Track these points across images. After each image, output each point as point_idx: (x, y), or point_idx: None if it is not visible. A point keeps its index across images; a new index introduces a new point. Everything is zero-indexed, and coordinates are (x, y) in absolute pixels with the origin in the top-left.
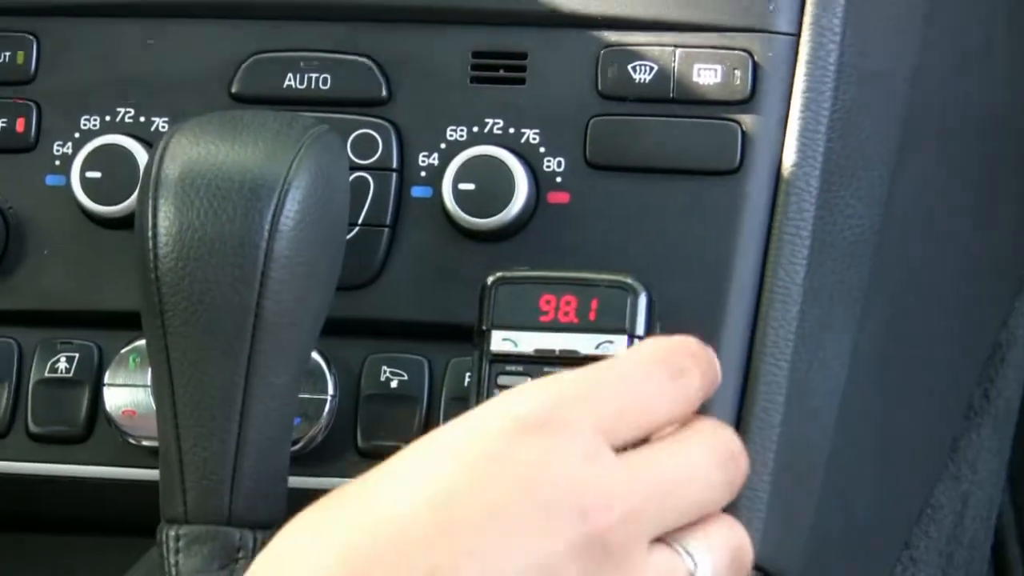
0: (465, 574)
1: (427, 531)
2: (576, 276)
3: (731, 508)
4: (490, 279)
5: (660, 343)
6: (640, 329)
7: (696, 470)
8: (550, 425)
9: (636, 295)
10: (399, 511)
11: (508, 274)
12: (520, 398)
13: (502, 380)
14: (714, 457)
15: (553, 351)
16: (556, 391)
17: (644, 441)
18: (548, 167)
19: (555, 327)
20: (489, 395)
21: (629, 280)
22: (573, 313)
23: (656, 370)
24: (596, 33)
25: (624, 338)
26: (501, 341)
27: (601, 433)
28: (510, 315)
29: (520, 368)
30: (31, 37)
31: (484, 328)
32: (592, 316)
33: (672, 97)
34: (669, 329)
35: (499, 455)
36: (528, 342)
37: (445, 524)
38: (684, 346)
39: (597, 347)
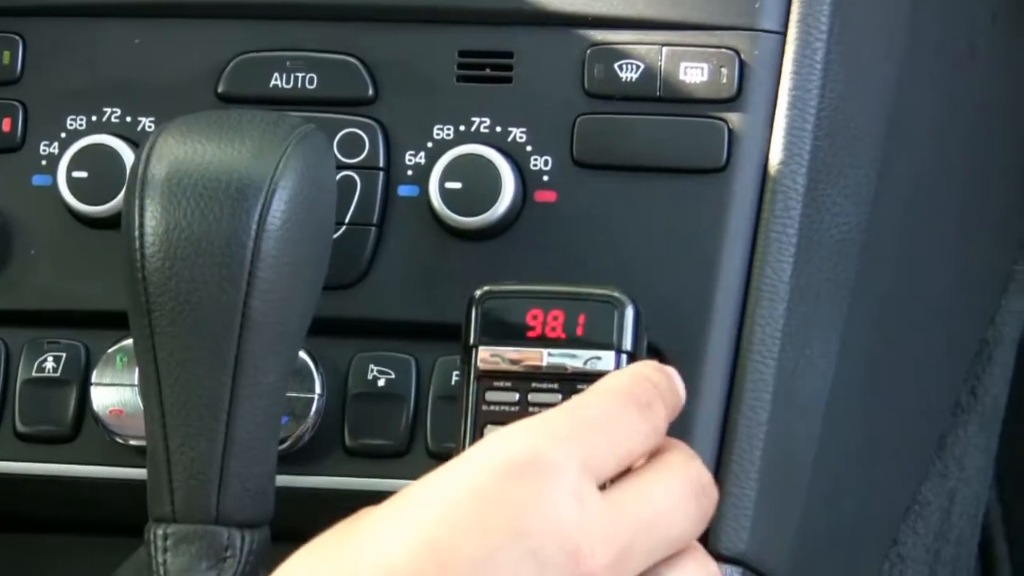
0: None
1: None
2: (563, 290)
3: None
4: (477, 293)
5: (624, 377)
6: (628, 344)
7: (674, 503)
8: (538, 465)
9: (623, 309)
10: (391, 559)
11: (495, 289)
12: (508, 439)
13: (490, 396)
14: (689, 489)
15: (540, 367)
16: (544, 431)
17: (622, 474)
18: (535, 166)
19: (543, 343)
20: (477, 412)
21: (616, 294)
22: (560, 328)
23: (628, 405)
24: (582, 32)
25: (612, 353)
26: (489, 357)
27: (587, 472)
28: (497, 331)
29: (508, 384)
30: (17, 37)
31: (471, 344)
32: (580, 331)
33: (658, 96)
34: (657, 330)
35: (489, 498)
36: (515, 358)
37: (437, 570)
38: (646, 377)
39: (585, 363)
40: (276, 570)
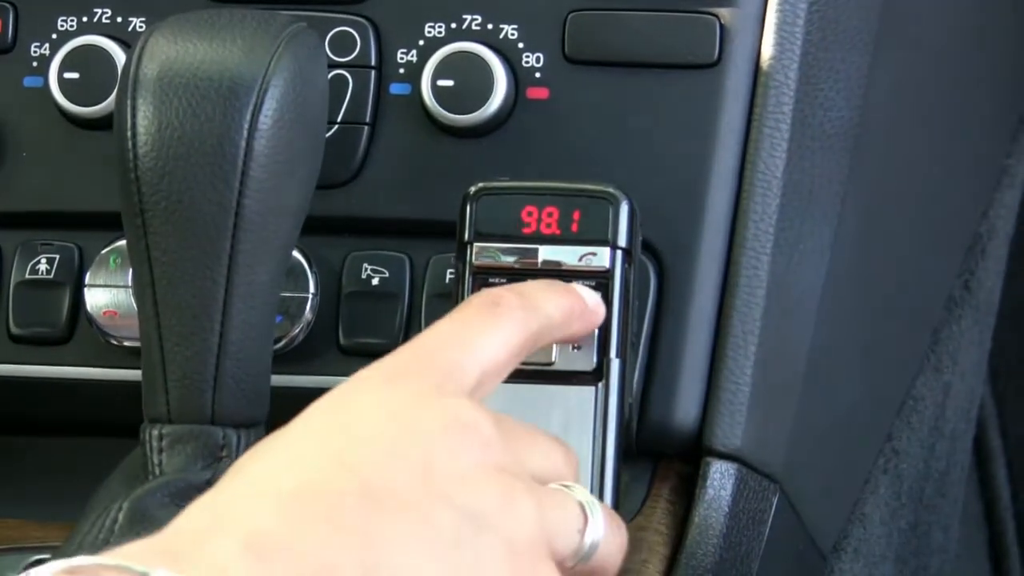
0: (346, 485)
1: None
2: (558, 186)
3: (712, 400)
4: (471, 190)
5: (481, 292)
6: (623, 239)
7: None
8: (405, 375)
9: (618, 205)
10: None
11: (489, 185)
12: (376, 364)
13: None
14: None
15: (536, 263)
16: (399, 352)
17: None
18: (527, 63)
19: (538, 239)
20: None
21: (611, 189)
22: (555, 224)
23: (470, 313)
24: None
25: (607, 249)
26: (483, 254)
27: (447, 376)
28: (492, 228)
29: (503, 280)
30: None
31: (466, 240)
32: (574, 227)
33: None
34: (650, 227)
35: (360, 401)
36: (511, 254)
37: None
38: (496, 290)
39: (580, 259)
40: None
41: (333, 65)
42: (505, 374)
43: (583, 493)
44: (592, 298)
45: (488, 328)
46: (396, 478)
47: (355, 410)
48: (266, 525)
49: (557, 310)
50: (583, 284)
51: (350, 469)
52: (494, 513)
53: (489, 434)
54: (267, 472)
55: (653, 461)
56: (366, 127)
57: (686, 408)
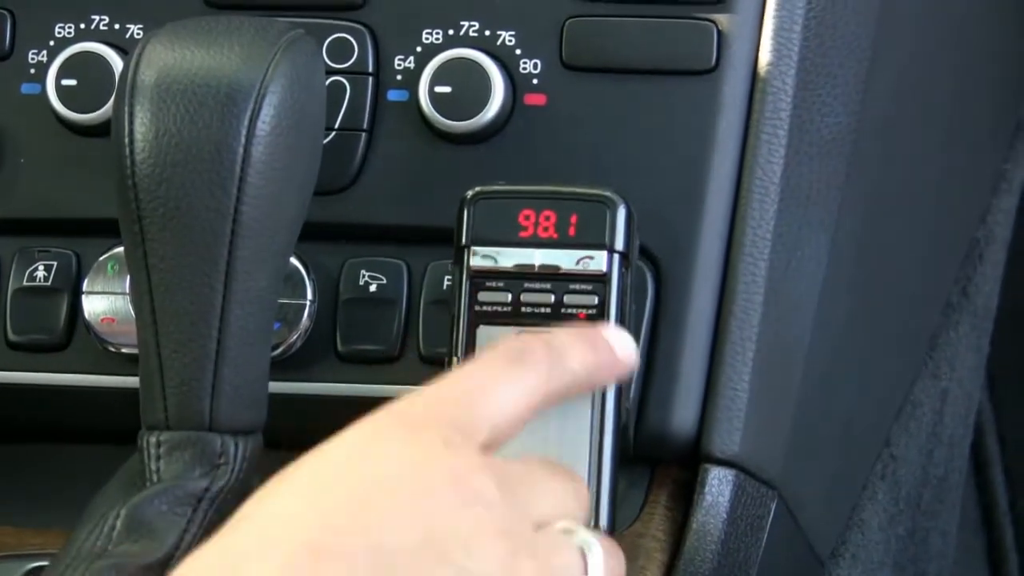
0: (354, 544)
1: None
2: (555, 190)
3: (710, 406)
4: (468, 194)
5: (509, 339)
6: (620, 243)
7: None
8: (416, 426)
9: (615, 209)
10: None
11: (486, 189)
12: (387, 410)
13: (482, 296)
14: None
15: (533, 267)
16: (412, 401)
17: None
18: (524, 69)
19: (535, 243)
20: (470, 312)
21: (608, 193)
22: (553, 228)
23: (494, 365)
24: None
25: (604, 253)
26: (481, 258)
27: (456, 430)
28: (489, 231)
29: (500, 284)
30: None
31: (463, 244)
32: (572, 231)
33: None
34: (648, 232)
35: (370, 451)
36: (508, 258)
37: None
38: (528, 337)
39: (578, 263)
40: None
41: (331, 72)
42: (522, 427)
43: (582, 534)
44: (623, 347)
45: (510, 380)
46: (405, 540)
47: (369, 463)
48: None
49: (583, 367)
50: (619, 329)
51: (362, 529)
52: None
53: (492, 495)
54: (280, 522)
55: (651, 467)
56: (363, 134)
57: (684, 414)
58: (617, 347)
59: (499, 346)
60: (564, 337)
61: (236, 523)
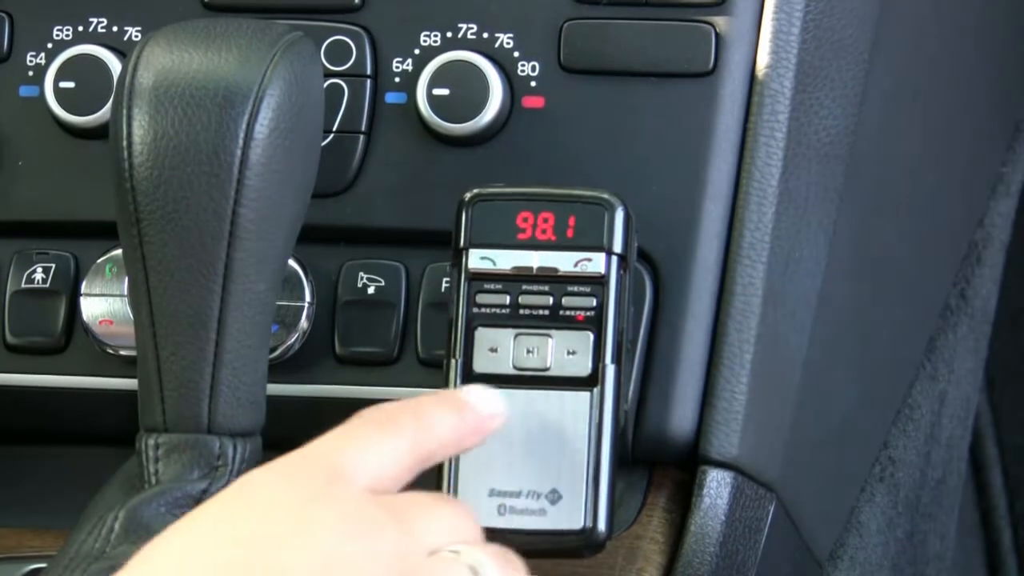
0: None
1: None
2: (553, 192)
3: (708, 408)
4: (466, 196)
5: (371, 408)
6: (618, 245)
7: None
8: (295, 474)
9: (613, 211)
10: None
11: (484, 191)
12: (273, 463)
13: (480, 298)
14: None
15: (531, 269)
16: (292, 455)
17: None
18: (522, 71)
19: (533, 245)
20: (468, 314)
21: (606, 196)
22: (551, 230)
23: (363, 428)
24: None
25: (602, 255)
26: (479, 260)
27: (335, 474)
28: (487, 233)
29: (499, 286)
30: None
31: (461, 246)
32: (570, 233)
33: (645, 0)
34: (646, 235)
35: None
36: (506, 260)
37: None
38: (389, 407)
39: (576, 265)
40: None
41: (329, 74)
42: (397, 488)
43: (472, 554)
44: (487, 407)
45: (380, 444)
46: (304, 563)
47: (258, 500)
48: None
49: (450, 432)
50: (483, 387)
51: (263, 548)
52: None
53: (385, 523)
54: (178, 553)
55: (649, 469)
56: (362, 136)
57: (682, 416)
58: (481, 408)
59: (364, 414)
60: (428, 403)
61: (133, 564)
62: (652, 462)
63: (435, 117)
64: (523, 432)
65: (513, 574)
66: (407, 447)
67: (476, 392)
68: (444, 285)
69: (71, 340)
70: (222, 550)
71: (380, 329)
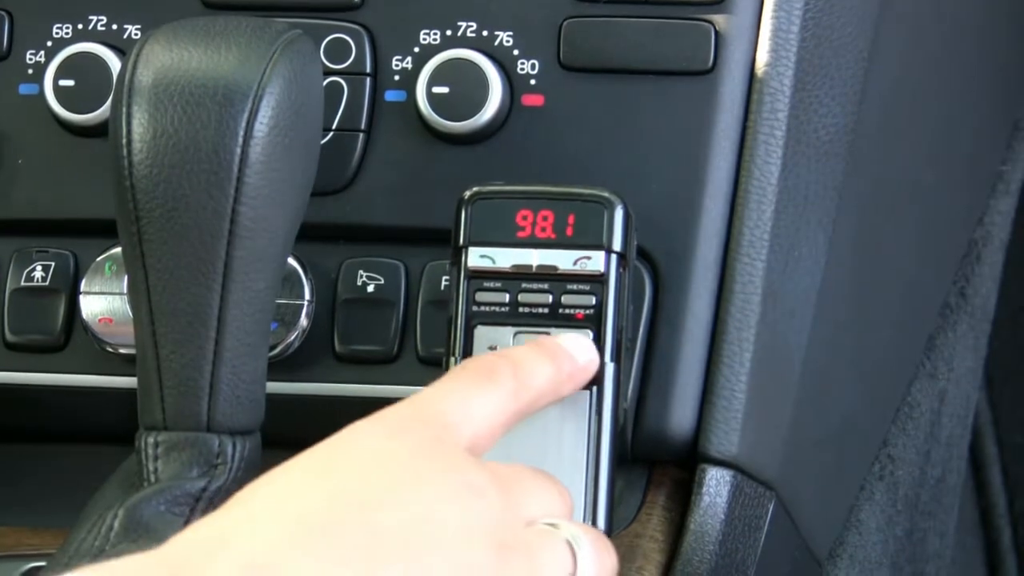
0: (347, 520)
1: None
2: (553, 190)
3: (708, 406)
4: (466, 194)
5: (471, 359)
6: (617, 244)
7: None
8: (404, 428)
9: (612, 209)
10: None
11: (484, 189)
12: (378, 415)
13: (480, 296)
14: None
15: (531, 267)
16: (399, 407)
17: None
18: (522, 69)
19: (533, 243)
20: (468, 312)
21: (606, 194)
22: (550, 228)
23: (465, 379)
24: None
25: (602, 253)
26: (478, 258)
27: (446, 430)
28: (487, 231)
29: (498, 284)
30: None
31: (461, 244)
32: (569, 231)
33: None
34: (645, 233)
35: (366, 448)
36: (505, 258)
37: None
38: (497, 354)
39: (575, 263)
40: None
41: (328, 72)
42: (494, 443)
43: (569, 529)
44: (584, 354)
45: (483, 395)
46: (399, 521)
47: (360, 453)
48: (266, 551)
49: (547, 382)
50: (579, 334)
51: (355, 506)
52: (487, 570)
53: (487, 489)
54: (273, 499)
55: (648, 467)
56: (361, 134)
57: (682, 415)
58: (577, 355)
59: (467, 363)
60: (527, 353)
61: (230, 505)
62: (652, 460)
63: (435, 115)
64: (523, 431)
65: (606, 554)
66: (508, 399)
67: (571, 340)
68: (444, 283)
69: (71, 338)
70: (314, 505)
71: (379, 327)
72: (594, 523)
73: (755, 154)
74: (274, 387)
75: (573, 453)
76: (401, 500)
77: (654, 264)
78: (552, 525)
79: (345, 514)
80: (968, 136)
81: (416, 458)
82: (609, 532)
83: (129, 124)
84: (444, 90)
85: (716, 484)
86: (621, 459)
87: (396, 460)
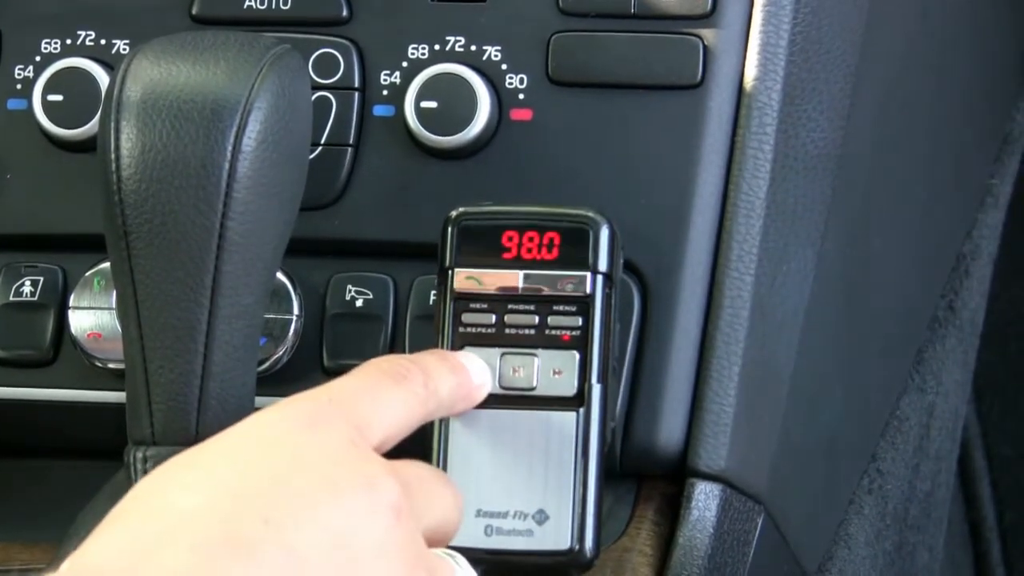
0: (265, 540)
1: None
2: (538, 211)
3: (697, 421)
4: (452, 215)
5: (383, 359)
6: (603, 264)
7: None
8: (315, 419)
9: (598, 230)
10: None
11: (469, 210)
12: (293, 403)
13: (466, 318)
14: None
15: (516, 288)
16: (310, 398)
17: None
18: (510, 84)
19: (518, 264)
20: (454, 333)
21: (591, 214)
22: (536, 249)
23: (381, 379)
24: None
25: (587, 274)
26: (464, 279)
27: (356, 428)
28: (473, 252)
29: (484, 306)
30: None
31: (447, 266)
32: (555, 252)
33: (633, 12)
34: (634, 247)
35: (278, 444)
36: (491, 279)
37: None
38: (405, 358)
39: (561, 284)
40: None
41: (317, 87)
42: (392, 444)
43: (467, 569)
44: (479, 376)
45: (395, 399)
46: (318, 542)
47: (279, 454)
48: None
49: (449, 393)
50: (474, 353)
51: (275, 526)
52: None
53: (399, 503)
54: (186, 509)
55: (637, 482)
56: (350, 149)
57: (670, 429)
58: (475, 376)
59: (379, 362)
60: (435, 363)
61: (139, 506)
62: (640, 474)
63: (423, 130)
64: (509, 452)
65: None
66: (418, 406)
67: (471, 359)
68: (432, 298)
69: (59, 353)
70: (229, 520)
71: (368, 342)
72: (581, 545)
73: (743, 169)
74: (263, 402)
75: (559, 472)
76: (319, 518)
77: (642, 278)
78: (450, 556)
79: (265, 533)
80: (957, 149)
81: (334, 464)
82: (596, 553)
83: (117, 139)
84: (432, 105)
85: (705, 498)
86: (608, 473)
87: (313, 466)
